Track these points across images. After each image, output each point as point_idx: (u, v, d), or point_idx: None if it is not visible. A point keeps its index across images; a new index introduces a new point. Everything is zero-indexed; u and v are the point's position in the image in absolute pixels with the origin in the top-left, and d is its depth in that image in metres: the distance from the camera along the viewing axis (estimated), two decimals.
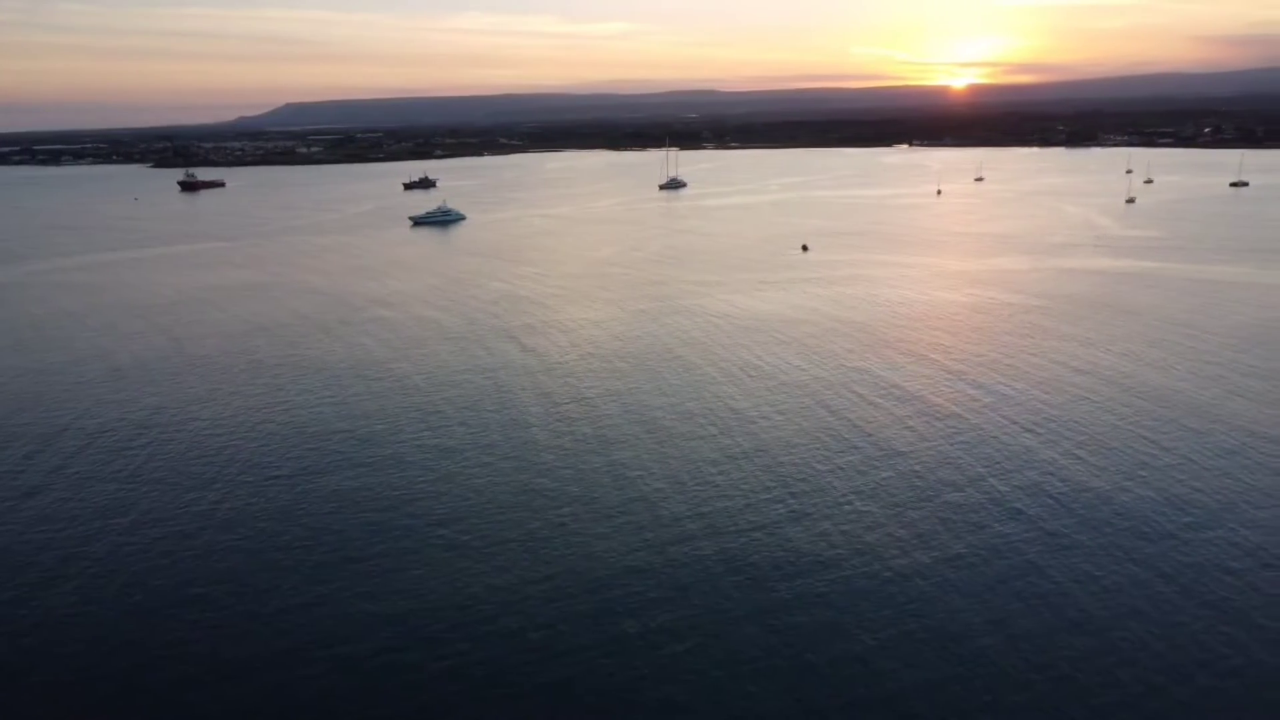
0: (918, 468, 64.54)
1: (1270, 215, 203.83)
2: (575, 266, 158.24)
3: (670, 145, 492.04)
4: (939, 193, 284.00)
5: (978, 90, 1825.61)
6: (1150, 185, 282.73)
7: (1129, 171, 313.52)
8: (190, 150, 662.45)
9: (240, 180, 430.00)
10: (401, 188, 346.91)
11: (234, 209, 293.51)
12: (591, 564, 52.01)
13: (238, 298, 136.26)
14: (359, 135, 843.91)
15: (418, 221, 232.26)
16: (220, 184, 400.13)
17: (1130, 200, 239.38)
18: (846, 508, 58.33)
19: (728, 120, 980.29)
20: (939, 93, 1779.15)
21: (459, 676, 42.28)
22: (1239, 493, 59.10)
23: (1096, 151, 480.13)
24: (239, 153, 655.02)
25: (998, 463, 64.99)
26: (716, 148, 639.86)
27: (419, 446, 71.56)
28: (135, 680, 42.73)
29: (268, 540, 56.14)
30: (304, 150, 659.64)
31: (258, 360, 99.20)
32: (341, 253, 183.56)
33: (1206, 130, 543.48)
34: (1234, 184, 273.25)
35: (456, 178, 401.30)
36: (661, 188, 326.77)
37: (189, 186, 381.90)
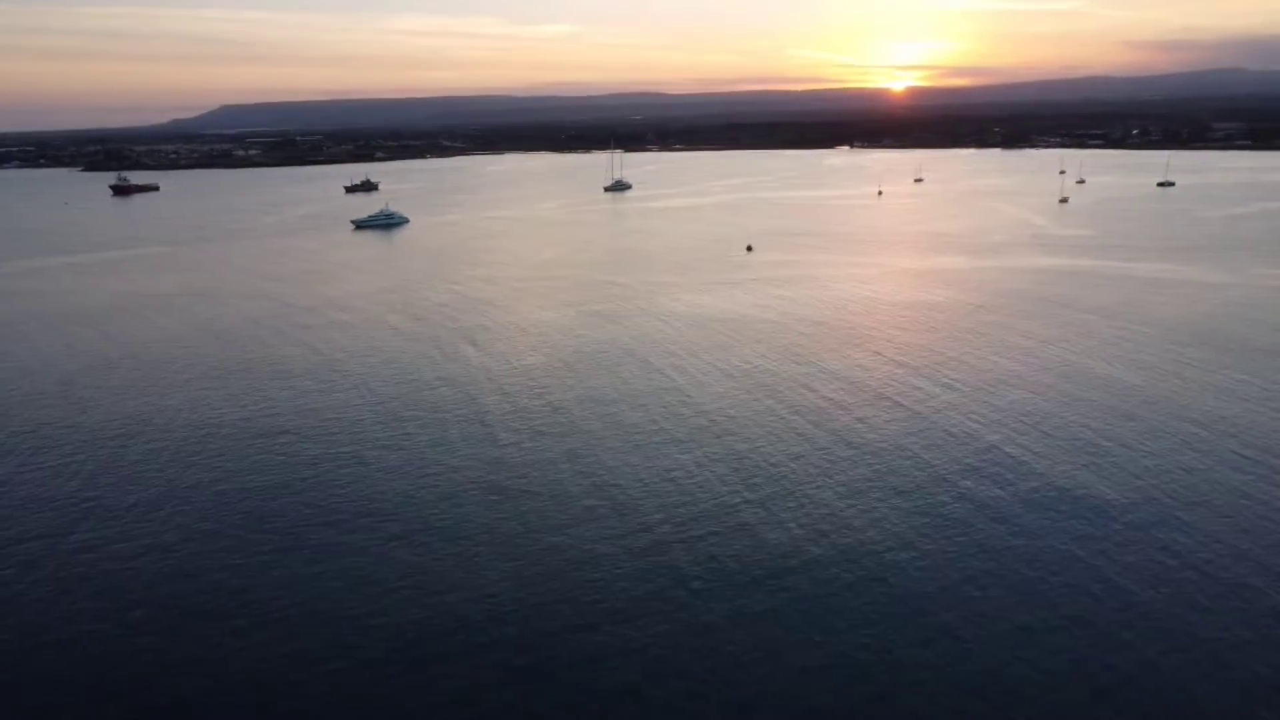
0: (874, 461, 65.58)
1: (1195, 214, 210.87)
2: (522, 269, 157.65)
3: (615, 147, 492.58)
4: (880, 193, 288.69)
5: (916, 93, 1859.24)
6: (1082, 185, 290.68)
7: (1062, 172, 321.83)
8: (122, 153, 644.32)
9: (175, 184, 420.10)
10: (343, 191, 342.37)
11: (170, 213, 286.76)
12: (560, 562, 51.91)
13: (181, 303, 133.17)
14: (298, 138, 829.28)
15: (360, 225, 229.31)
16: (154, 188, 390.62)
17: (1064, 200, 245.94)
18: (809, 503, 59.00)
19: (671, 122, 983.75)
20: (878, 95, 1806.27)
21: (425, 676, 41.91)
22: (1177, 474, 61.12)
23: (1031, 153, 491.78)
24: (173, 156, 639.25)
25: (952, 455, 66.29)
26: (661, 150, 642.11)
27: (377, 448, 70.73)
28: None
29: (227, 546, 55.02)
30: (242, 153, 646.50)
31: (208, 366, 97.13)
32: (284, 257, 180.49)
33: (1135, 132, 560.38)
34: (1161, 184, 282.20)
35: (399, 180, 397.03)
36: (607, 190, 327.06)
37: (122, 190, 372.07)
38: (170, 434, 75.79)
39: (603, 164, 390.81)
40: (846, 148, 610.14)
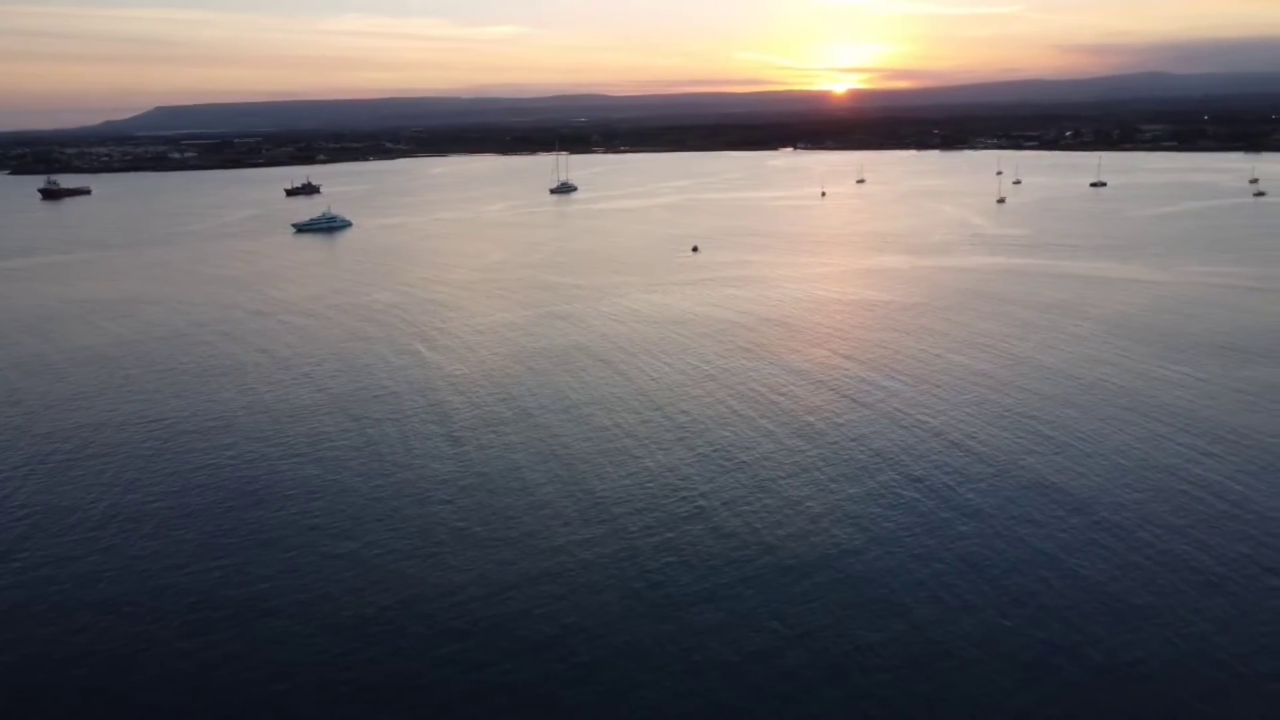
0: (820, 461, 66.35)
1: (1126, 213, 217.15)
2: (468, 272, 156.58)
3: (560, 149, 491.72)
4: (823, 194, 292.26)
5: (857, 95, 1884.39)
6: (1019, 186, 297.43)
7: (999, 173, 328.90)
8: (52, 156, 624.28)
9: (108, 187, 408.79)
10: (283, 194, 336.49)
11: (103, 217, 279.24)
12: (502, 570, 51.62)
13: (116, 310, 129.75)
14: (236, 140, 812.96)
15: (301, 228, 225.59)
16: (85, 191, 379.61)
17: (1001, 200, 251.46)
18: (757, 504, 59.51)
19: (616, 124, 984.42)
20: (821, 98, 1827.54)
21: (366, 688, 41.45)
22: (1116, 462, 62.93)
23: (969, 154, 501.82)
24: (105, 158, 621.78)
25: (898, 451, 67.37)
26: (606, 151, 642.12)
27: (321, 455, 69.74)
28: None
29: (182, 551, 53.80)
30: (177, 156, 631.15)
31: (150, 373, 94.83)
32: (224, 261, 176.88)
33: (1068, 134, 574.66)
34: (1094, 184, 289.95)
35: (341, 183, 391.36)
36: (552, 192, 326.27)
37: (51, 194, 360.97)
38: (123, 440, 73.97)
39: (548, 166, 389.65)
40: (790, 149, 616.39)
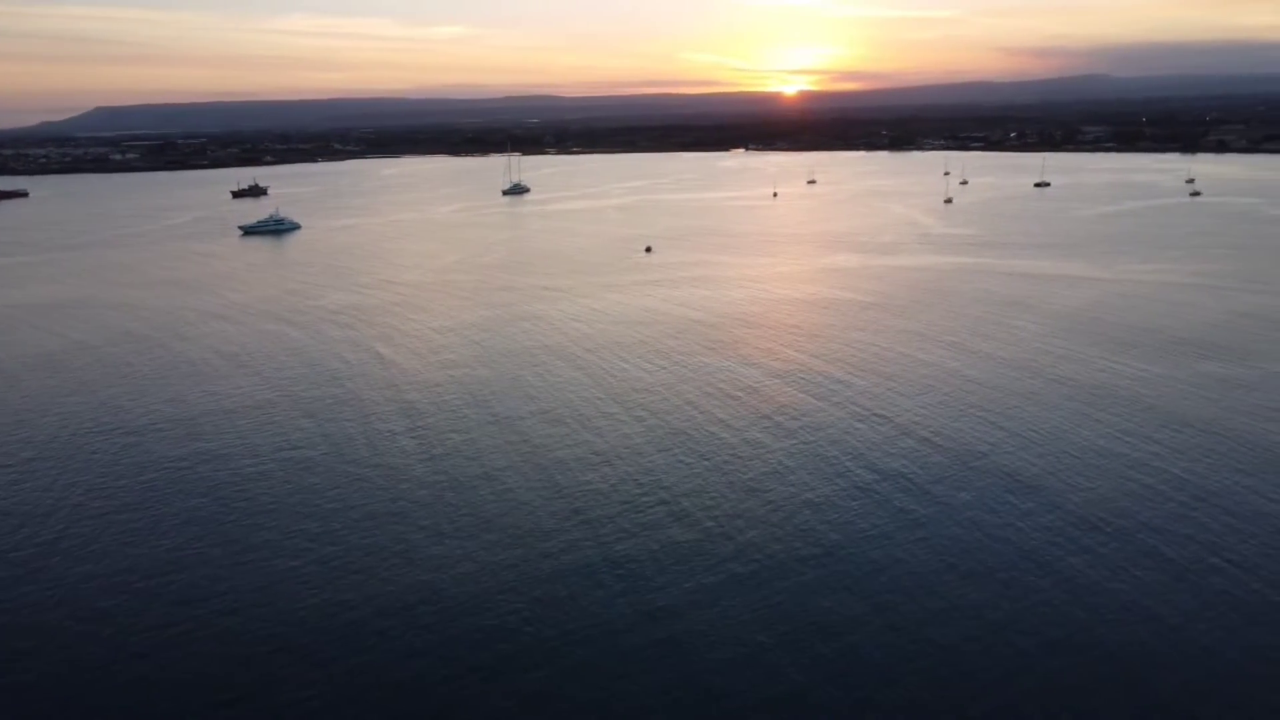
0: (784, 454, 67.02)
1: (1070, 213, 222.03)
2: (420, 274, 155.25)
3: (512, 150, 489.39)
4: (775, 195, 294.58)
5: (807, 97, 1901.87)
6: (965, 186, 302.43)
7: (946, 173, 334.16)
8: None
9: (46, 189, 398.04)
10: (230, 195, 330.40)
11: (41, 220, 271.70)
12: (474, 570, 51.40)
13: (55, 315, 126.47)
14: (180, 141, 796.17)
15: (248, 231, 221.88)
16: (23, 194, 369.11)
17: (948, 200, 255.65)
18: (726, 497, 59.93)
19: (568, 125, 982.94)
20: (771, 99, 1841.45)
21: (338, 692, 40.99)
22: (1067, 450, 64.48)
23: (917, 155, 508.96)
24: (43, 160, 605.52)
25: (854, 448, 68.27)
26: (559, 153, 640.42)
27: (278, 461, 68.74)
28: None
29: (122, 568, 52.61)
30: (119, 157, 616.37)
31: (88, 380, 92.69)
32: (167, 265, 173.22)
33: (1012, 135, 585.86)
34: (1038, 184, 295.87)
35: (289, 185, 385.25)
36: (504, 193, 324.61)
37: None
38: (82, 444, 72.46)
39: (500, 167, 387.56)
40: (742, 150, 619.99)
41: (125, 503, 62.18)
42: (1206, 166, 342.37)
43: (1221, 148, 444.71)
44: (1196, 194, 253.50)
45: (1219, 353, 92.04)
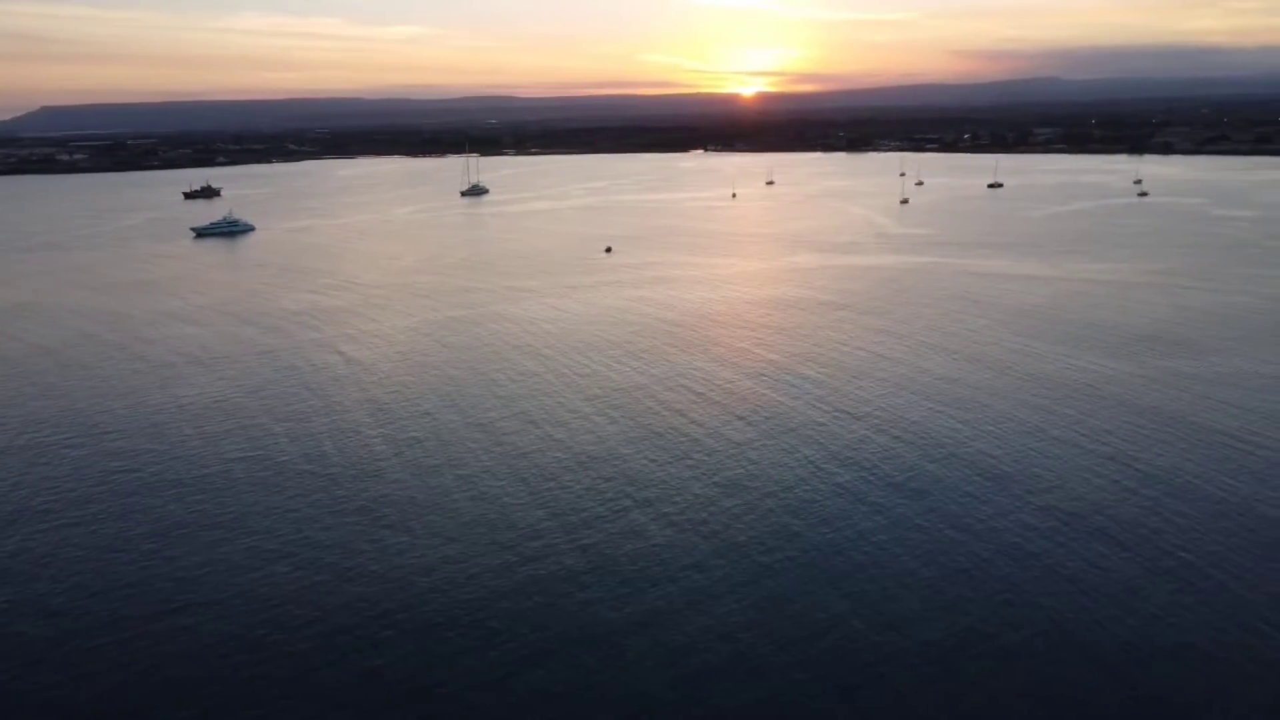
0: (756, 455, 67.41)
1: (1023, 213, 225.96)
2: (378, 276, 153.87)
3: (470, 151, 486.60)
4: (734, 196, 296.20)
5: (765, 98, 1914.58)
6: (921, 187, 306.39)
7: (902, 174, 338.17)
8: None
9: None
10: (182, 197, 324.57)
11: None
12: (452, 574, 51.03)
13: (7, 319, 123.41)
14: (130, 141, 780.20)
15: (201, 233, 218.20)
16: None
17: (904, 201, 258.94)
18: (698, 502, 60.12)
19: (527, 126, 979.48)
20: (729, 100, 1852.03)
21: (314, 691, 40.54)
22: (1031, 448, 65.67)
23: (873, 156, 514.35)
24: None
25: (825, 445, 68.89)
26: (517, 154, 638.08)
27: (246, 463, 67.76)
28: None
29: (89, 574, 51.52)
30: (66, 158, 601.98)
31: (48, 384, 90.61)
32: (120, 267, 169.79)
33: (966, 136, 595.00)
34: (991, 185, 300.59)
35: (243, 186, 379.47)
36: (463, 194, 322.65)
37: None
38: (43, 445, 70.80)
39: (458, 168, 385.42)
40: (701, 151, 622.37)
41: (90, 508, 60.96)
42: (1153, 168, 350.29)
43: (1167, 149, 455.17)
44: (1144, 194, 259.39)
45: (1171, 348, 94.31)
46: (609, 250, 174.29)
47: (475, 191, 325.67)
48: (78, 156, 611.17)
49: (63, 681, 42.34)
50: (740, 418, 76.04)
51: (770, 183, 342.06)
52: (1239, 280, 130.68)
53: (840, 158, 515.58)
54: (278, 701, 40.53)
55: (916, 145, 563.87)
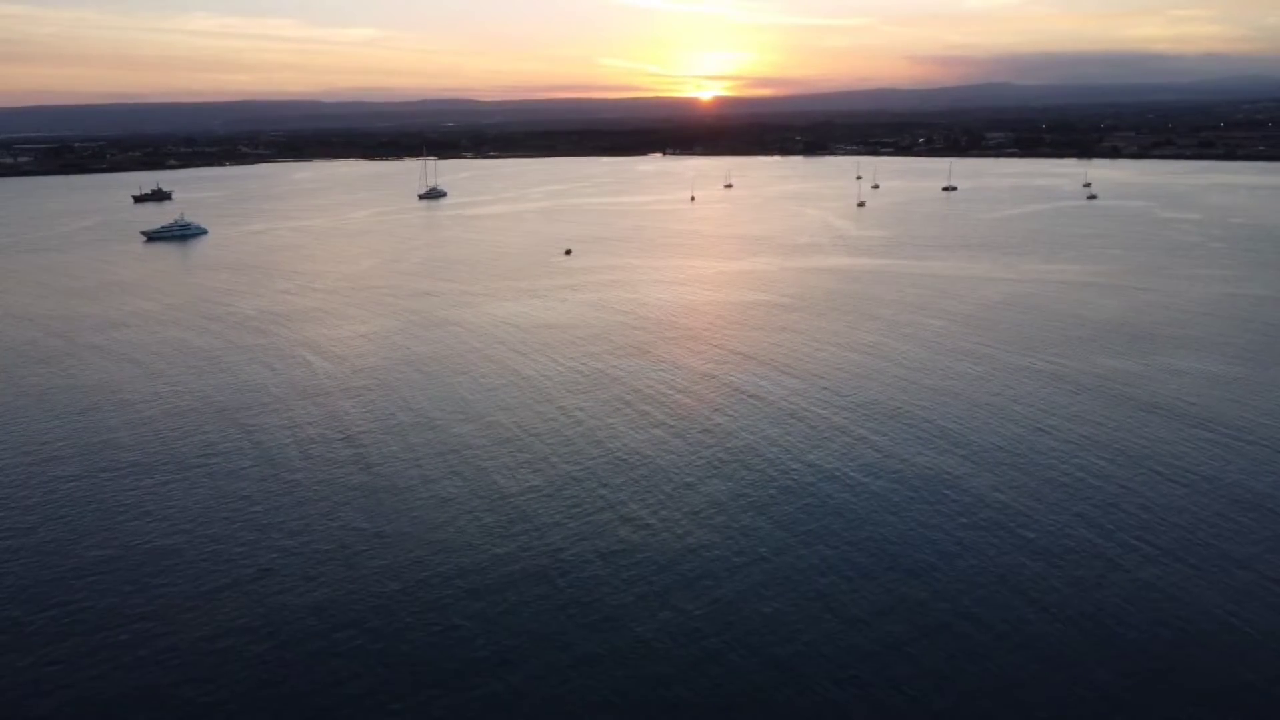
0: (721, 455, 67.52)
1: (976, 215, 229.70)
2: (338, 279, 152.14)
3: (428, 154, 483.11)
4: (693, 199, 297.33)
5: (723, 102, 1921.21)
6: (877, 190, 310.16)
7: (859, 178, 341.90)
8: None
9: None
10: (131, 200, 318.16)
11: None
12: (422, 577, 50.46)
13: None
14: (77, 144, 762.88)
15: (152, 236, 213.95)
16: None
17: (861, 204, 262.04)
18: (667, 502, 60.08)
19: (485, 129, 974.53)
20: (688, 104, 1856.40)
21: (279, 705, 39.90)
22: (989, 446, 66.69)
23: (830, 159, 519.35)
24: None
25: (789, 445, 69.20)
26: (475, 157, 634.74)
27: (206, 471, 66.45)
28: None
29: (44, 584, 50.23)
30: (9, 160, 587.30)
31: (9, 390, 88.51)
32: (68, 273, 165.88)
33: (921, 140, 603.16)
34: (945, 188, 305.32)
35: (194, 189, 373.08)
36: (421, 197, 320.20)
37: None
38: None
39: (415, 171, 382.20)
40: (660, 154, 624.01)
41: (44, 517, 59.43)
42: (1102, 171, 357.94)
43: (1115, 153, 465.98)
44: (1093, 197, 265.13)
45: (1122, 345, 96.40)
46: (569, 253, 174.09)
47: (433, 195, 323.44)
48: (22, 159, 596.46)
49: (19, 696, 41.30)
50: (705, 418, 76.22)
51: (729, 186, 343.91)
52: (1186, 279, 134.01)
53: (797, 161, 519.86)
54: (243, 708, 39.89)
55: (872, 149, 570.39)
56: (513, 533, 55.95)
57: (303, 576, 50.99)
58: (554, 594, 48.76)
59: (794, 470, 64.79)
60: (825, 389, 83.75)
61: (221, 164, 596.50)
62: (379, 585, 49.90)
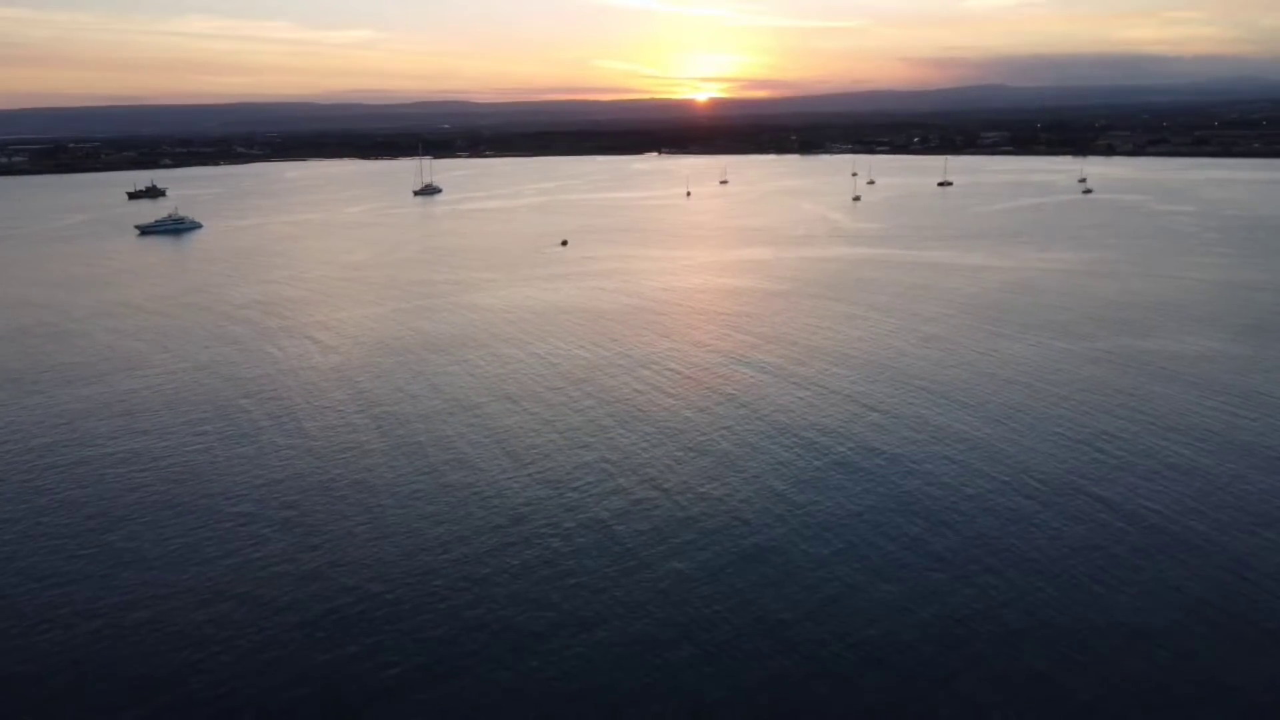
0: (723, 441, 67.29)
1: (971, 208, 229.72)
2: (333, 270, 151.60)
3: (424, 154, 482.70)
4: (688, 194, 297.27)
5: (719, 104, 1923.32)
6: (873, 185, 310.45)
7: (854, 174, 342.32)
8: None
9: None
10: (126, 197, 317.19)
11: None
12: (428, 557, 50.12)
13: None
14: (71, 144, 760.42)
15: (146, 230, 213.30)
16: None
17: (856, 198, 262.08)
18: (676, 479, 59.89)
19: (481, 130, 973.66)
20: (684, 106, 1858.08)
21: (291, 683, 39.44)
22: (971, 426, 66.36)
23: (825, 158, 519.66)
24: None
25: (781, 426, 69.04)
26: (471, 156, 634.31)
27: (212, 454, 66.02)
28: None
29: (51, 566, 49.84)
30: (4, 160, 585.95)
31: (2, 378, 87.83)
32: (63, 264, 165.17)
33: (916, 139, 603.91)
34: (941, 183, 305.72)
35: (189, 187, 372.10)
36: (416, 194, 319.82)
37: None
38: None
39: (411, 170, 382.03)
40: (655, 154, 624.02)
41: (54, 499, 58.94)
42: (1097, 168, 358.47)
43: (1110, 151, 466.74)
44: (1089, 191, 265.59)
45: (1119, 329, 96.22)
46: (564, 244, 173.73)
47: (428, 191, 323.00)
48: (17, 159, 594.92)
49: (21, 678, 40.82)
50: (705, 399, 75.99)
51: (724, 182, 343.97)
52: (1181, 267, 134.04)
53: (793, 159, 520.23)
54: (245, 693, 39.43)
55: (868, 148, 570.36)
56: (512, 518, 55.54)
57: (297, 568, 50.54)
58: (552, 567, 48.36)
59: (804, 460, 64.40)
60: (823, 370, 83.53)
61: (216, 163, 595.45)
62: (377, 575, 49.45)
